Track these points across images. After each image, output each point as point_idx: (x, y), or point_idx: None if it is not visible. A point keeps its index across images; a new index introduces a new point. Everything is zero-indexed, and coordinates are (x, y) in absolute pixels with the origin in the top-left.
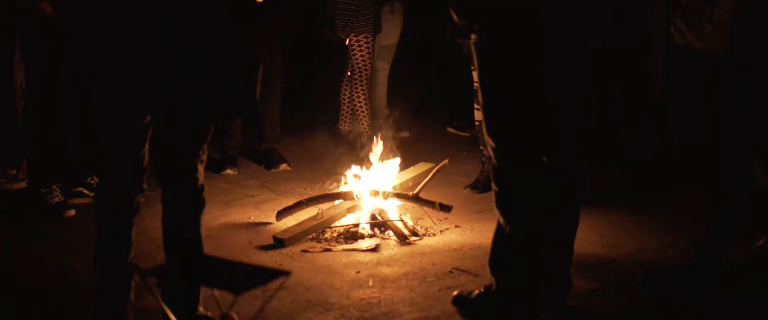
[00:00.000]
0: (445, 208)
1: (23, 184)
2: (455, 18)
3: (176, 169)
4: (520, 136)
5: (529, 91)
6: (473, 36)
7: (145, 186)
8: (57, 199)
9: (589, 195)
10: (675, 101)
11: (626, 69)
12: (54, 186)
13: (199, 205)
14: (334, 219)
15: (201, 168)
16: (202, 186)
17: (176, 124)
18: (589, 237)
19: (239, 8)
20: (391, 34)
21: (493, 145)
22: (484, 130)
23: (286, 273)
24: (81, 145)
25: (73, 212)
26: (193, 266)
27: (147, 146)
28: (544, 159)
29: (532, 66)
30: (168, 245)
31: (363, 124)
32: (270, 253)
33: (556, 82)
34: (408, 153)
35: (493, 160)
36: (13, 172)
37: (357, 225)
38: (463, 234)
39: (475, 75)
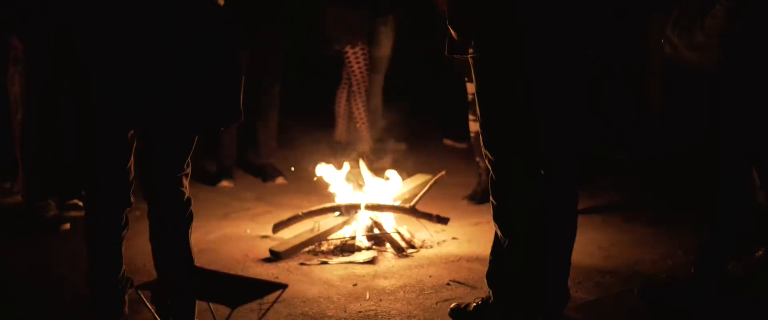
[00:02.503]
0: (442, 220)
1: (18, 198)
2: (453, 33)
3: (161, 183)
4: (518, 148)
5: (525, 104)
6: (470, 50)
7: (132, 199)
8: (52, 213)
9: (587, 207)
10: (673, 114)
11: (625, 83)
12: (49, 200)
13: (186, 218)
14: (330, 231)
15: (185, 181)
16: (189, 199)
17: (160, 135)
18: (587, 249)
19: (225, 19)
20: (384, 45)
21: (490, 157)
22: (482, 142)
23: (282, 286)
24: (75, 158)
25: (67, 225)
26: (185, 280)
27: (132, 160)
28: (542, 171)
29: (529, 79)
30: (158, 259)
31: (363, 136)
32: (266, 266)
33: (552, 95)
34: (405, 165)
35: (491, 172)
36: (8, 186)
37: (354, 238)
38: (461, 246)
39: (469, 87)
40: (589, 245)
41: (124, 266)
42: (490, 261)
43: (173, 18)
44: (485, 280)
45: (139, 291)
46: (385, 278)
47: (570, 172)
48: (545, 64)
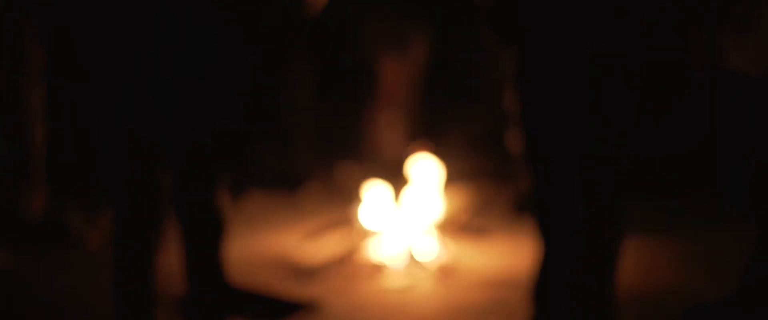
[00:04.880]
0: (480, 236)
1: (43, 212)
2: (496, 44)
3: (193, 196)
4: (561, 163)
5: (570, 116)
6: (512, 59)
7: (166, 212)
8: (79, 228)
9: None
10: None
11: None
12: (76, 214)
13: (218, 232)
14: (365, 249)
15: (218, 192)
16: (222, 212)
17: (172, 141)
18: (627, 270)
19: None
20: (417, 57)
21: (532, 171)
22: (523, 154)
23: (314, 306)
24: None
25: (96, 241)
26: (217, 297)
27: (163, 173)
28: (587, 187)
29: (575, 91)
30: (189, 275)
31: (394, 151)
32: (297, 283)
33: (598, 107)
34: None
35: (534, 187)
36: (33, 199)
37: (389, 257)
38: (503, 264)
39: (508, 98)
40: (629, 265)
41: (157, 283)
42: (533, 281)
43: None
44: (529, 301)
45: (170, 308)
46: (424, 300)
47: (615, 189)
48: (591, 77)
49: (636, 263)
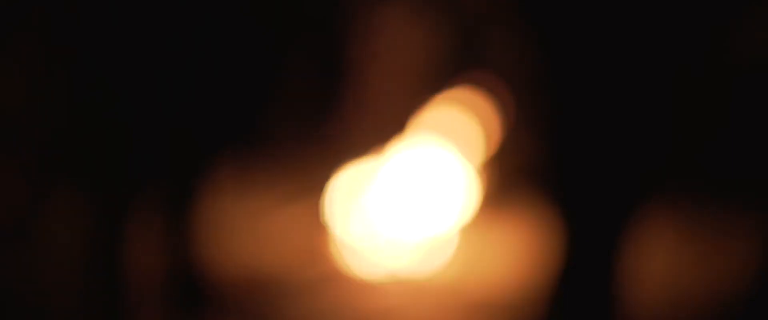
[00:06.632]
0: (498, 219)
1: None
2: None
3: (173, 174)
4: (590, 162)
5: (600, 116)
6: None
7: (142, 198)
8: (50, 218)
9: (654, 221)
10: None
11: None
12: (49, 205)
13: (195, 207)
14: (354, 261)
15: (211, 176)
16: (203, 193)
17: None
18: (657, 268)
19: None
20: None
21: (553, 168)
22: (549, 153)
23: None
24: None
25: (68, 230)
26: (197, 296)
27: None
28: (612, 185)
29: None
30: (166, 273)
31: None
32: (274, 291)
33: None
34: None
35: (551, 183)
36: None
37: (381, 270)
38: (504, 266)
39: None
40: (659, 262)
41: (134, 269)
42: (545, 286)
43: (172, 15)
44: (537, 307)
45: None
46: (408, 314)
47: (641, 192)
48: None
49: (654, 263)
